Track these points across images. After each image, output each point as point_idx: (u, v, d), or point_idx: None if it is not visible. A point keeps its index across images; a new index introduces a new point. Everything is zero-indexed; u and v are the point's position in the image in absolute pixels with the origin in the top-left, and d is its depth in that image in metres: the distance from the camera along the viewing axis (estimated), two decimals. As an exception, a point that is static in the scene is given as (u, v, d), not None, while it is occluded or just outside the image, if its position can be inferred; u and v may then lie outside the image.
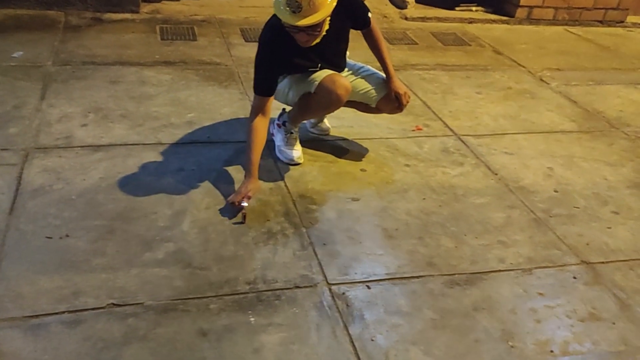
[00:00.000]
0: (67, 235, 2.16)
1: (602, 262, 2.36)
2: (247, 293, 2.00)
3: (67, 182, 2.48)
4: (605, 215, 2.68)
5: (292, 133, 2.82)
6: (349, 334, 1.88)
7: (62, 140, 2.78)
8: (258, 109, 2.50)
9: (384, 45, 2.75)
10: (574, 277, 2.26)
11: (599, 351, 1.93)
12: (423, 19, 5.26)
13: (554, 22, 5.56)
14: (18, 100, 3.09)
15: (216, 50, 4.06)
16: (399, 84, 2.74)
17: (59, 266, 2.02)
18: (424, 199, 2.65)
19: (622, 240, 2.52)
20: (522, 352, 1.89)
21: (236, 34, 4.40)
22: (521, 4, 5.39)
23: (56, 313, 1.83)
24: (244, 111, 3.19)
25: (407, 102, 2.74)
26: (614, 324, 2.05)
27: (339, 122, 3.19)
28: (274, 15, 2.37)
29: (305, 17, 2.25)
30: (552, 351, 1.91)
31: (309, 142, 2.98)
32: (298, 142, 2.85)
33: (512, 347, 1.91)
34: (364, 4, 2.63)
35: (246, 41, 4.28)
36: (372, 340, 1.88)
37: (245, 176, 2.45)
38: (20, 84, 3.27)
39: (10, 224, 2.19)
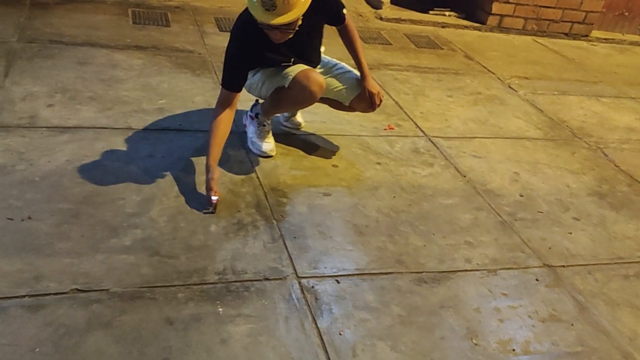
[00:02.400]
0: (30, 218, 2.09)
1: (563, 266, 2.44)
2: (216, 283, 1.97)
3: (31, 163, 2.39)
4: (567, 221, 2.76)
5: (264, 125, 2.80)
6: (317, 327, 1.89)
7: (26, 120, 2.68)
8: (224, 102, 2.47)
9: (359, 43, 2.75)
10: (536, 280, 2.32)
11: (557, 351, 1.99)
12: (397, 20, 5.30)
13: (523, 31, 5.70)
14: (-21, 77, 2.97)
15: (189, 38, 4.00)
16: (373, 84, 2.75)
17: (20, 249, 1.95)
18: (394, 197, 2.67)
19: (582, 245, 2.60)
20: (485, 350, 1.93)
21: (210, 23, 4.34)
22: (493, 12, 5.51)
23: (16, 297, 1.77)
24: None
25: (380, 101, 2.76)
26: (572, 325, 2.12)
27: (312, 117, 3.19)
28: (247, 9, 2.34)
29: (279, 15, 2.23)
30: (513, 350, 1.96)
31: (281, 136, 2.97)
32: (270, 134, 2.83)
33: (475, 345, 1.95)
34: (339, 0, 2.63)
35: (220, 30, 4.23)
36: (340, 334, 1.88)
37: (206, 171, 2.39)
38: (-19, 61, 3.14)
39: (-31, 203, 2.10)
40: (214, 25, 4.31)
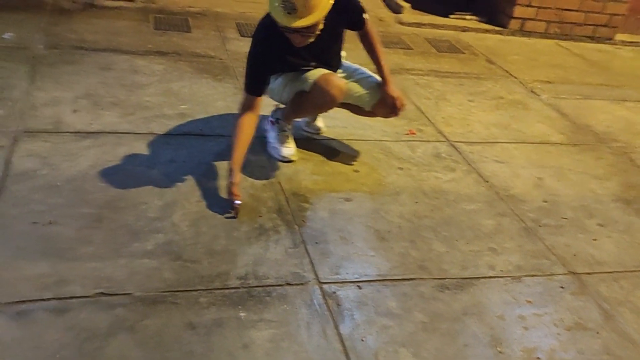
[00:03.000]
0: (54, 222, 2.11)
1: (588, 273, 2.39)
2: (238, 288, 1.97)
3: (55, 167, 2.42)
4: (592, 228, 2.71)
5: (285, 131, 2.80)
6: (339, 333, 1.87)
7: (51, 125, 2.72)
8: (247, 106, 2.48)
9: (380, 48, 2.74)
10: (561, 287, 2.28)
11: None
12: (418, 24, 5.27)
13: (545, 35, 5.62)
14: (5, 82, 3.02)
15: (211, 44, 4.02)
16: (394, 89, 2.73)
17: (45, 253, 1.97)
18: (416, 202, 2.64)
19: (607, 252, 2.55)
20: (509, 358, 1.89)
21: (232, 28, 4.36)
22: (514, 15, 5.45)
23: (41, 300, 1.79)
24: (233, 109, 3.17)
25: (402, 106, 2.74)
26: (598, 333, 2.07)
27: (332, 122, 3.18)
28: (268, 14, 2.35)
29: (300, 18, 2.23)
30: (538, 358, 1.92)
31: (302, 141, 2.96)
32: (291, 139, 2.83)
33: (500, 352, 1.91)
34: (360, 5, 2.62)
35: (242, 36, 4.25)
36: (362, 340, 1.86)
37: (228, 175, 2.39)
38: (8, 66, 3.19)
39: (-4, 208, 2.13)
40: (235, 31, 4.33)
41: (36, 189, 2.27)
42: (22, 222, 2.09)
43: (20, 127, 2.65)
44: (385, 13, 5.42)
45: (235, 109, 3.10)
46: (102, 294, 1.85)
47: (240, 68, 3.65)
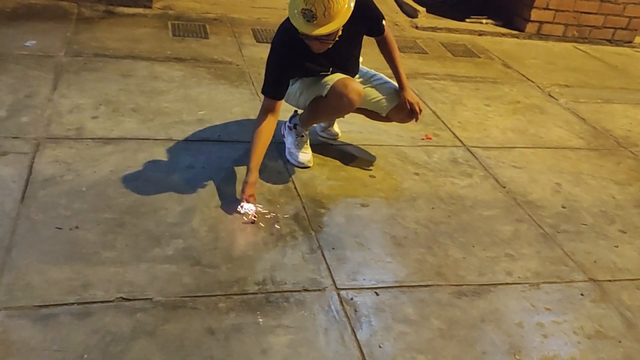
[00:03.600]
0: (77, 227, 2.16)
1: (609, 281, 2.37)
2: (256, 294, 1.99)
3: (78, 173, 2.47)
4: (613, 234, 2.69)
5: (302, 136, 2.82)
6: (356, 340, 1.88)
7: (73, 132, 2.77)
8: (267, 110, 2.51)
9: (397, 54, 2.75)
10: (581, 294, 2.26)
11: (604, 369, 1.94)
12: (434, 28, 5.27)
13: (563, 38, 5.59)
14: (30, 90, 3.08)
15: (228, 49, 4.06)
16: (412, 94, 2.74)
17: (69, 257, 2.01)
18: (432, 208, 2.65)
19: (629, 259, 2.52)
20: (528, 366, 1.89)
21: (248, 34, 4.40)
22: (531, 19, 5.42)
23: (65, 304, 1.82)
24: (255, 111, 3.15)
25: (420, 111, 2.75)
26: (620, 342, 2.06)
27: (348, 127, 3.20)
28: (288, 19, 2.37)
29: (320, 26, 2.25)
30: (558, 367, 1.91)
31: (318, 146, 2.98)
32: (308, 145, 2.85)
33: (518, 360, 1.91)
34: (379, 11, 2.63)
35: (258, 42, 4.29)
36: (380, 347, 1.87)
37: (246, 175, 2.42)
38: (33, 73, 3.26)
39: (21, 212, 2.18)
40: (251, 37, 4.37)
41: (60, 194, 2.31)
42: (47, 227, 2.13)
43: (44, 134, 2.70)
44: (401, 17, 5.43)
45: (252, 115, 3.15)
46: (124, 298, 1.88)
47: (256, 74, 3.69)
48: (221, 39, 4.24)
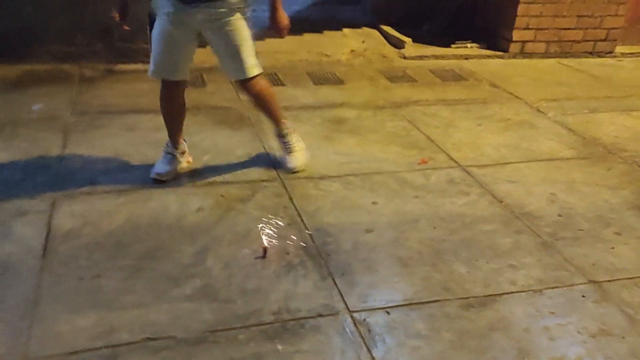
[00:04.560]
0: (99, 276, 2.28)
1: (609, 281, 2.46)
2: (273, 323, 2.10)
3: (94, 225, 2.60)
4: (609, 237, 2.79)
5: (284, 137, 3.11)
6: (372, 357, 1.98)
7: (87, 187, 2.91)
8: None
9: None
10: (583, 296, 2.36)
11: (612, 365, 2.02)
12: (421, 57, 5.48)
13: (546, 55, 5.78)
14: (42, 151, 3.24)
15: (225, 95, 4.24)
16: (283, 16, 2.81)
17: (93, 305, 2.13)
18: (434, 227, 2.76)
19: (627, 259, 2.62)
20: (538, 369, 1.98)
21: (243, 79, 4.58)
22: (514, 39, 5.62)
23: (94, 349, 1.93)
24: (257, 151, 3.37)
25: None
26: (624, 338, 2.14)
27: (348, 159, 3.34)
28: None
29: None
30: (567, 367, 2.00)
31: (320, 180, 3.12)
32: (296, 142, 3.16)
33: (529, 364, 1.99)
34: None
35: (253, 85, 4.46)
36: (395, 363, 1.97)
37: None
38: (42, 135, 3.43)
39: (44, 267, 2.31)
40: (247, 81, 4.55)
41: (80, 247, 2.44)
42: (70, 278, 2.25)
43: (59, 191, 2.85)
44: (389, 49, 5.63)
45: (254, 155, 3.31)
46: (149, 338, 1.99)
47: (254, 116, 3.85)
48: (218, 85, 4.43)
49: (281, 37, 2.90)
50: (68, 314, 2.08)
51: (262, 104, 3.06)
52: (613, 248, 2.70)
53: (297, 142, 3.16)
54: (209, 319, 2.10)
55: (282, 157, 3.03)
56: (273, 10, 2.82)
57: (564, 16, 5.65)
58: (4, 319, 2.04)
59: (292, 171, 2.94)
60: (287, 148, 3.09)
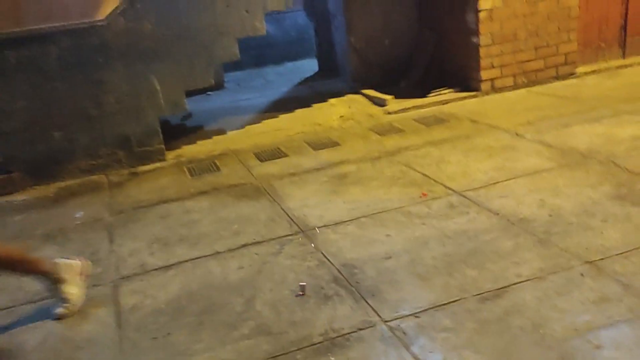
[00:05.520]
0: (169, 334, 2.66)
1: (602, 259, 2.85)
2: (322, 342, 2.47)
3: (154, 297, 3.01)
4: (597, 225, 3.19)
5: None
6: (411, 353, 2.34)
7: (139, 268, 3.34)
8: None
9: None
10: (582, 274, 2.74)
11: (613, 321, 2.37)
12: (404, 110, 6.05)
13: (515, 87, 6.36)
14: (93, 248, 3.69)
15: (239, 174, 4.75)
16: None
17: (170, 356, 2.50)
18: (443, 245, 3.17)
19: (614, 239, 3.01)
20: (552, 336, 2.33)
21: (252, 158, 5.11)
22: (483, 78, 6.22)
23: (180, 387, 2.30)
24: (277, 214, 3.82)
25: None
26: (621, 300, 2.51)
27: (356, 205, 3.79)
28: None
29: None
30: (576, 329, 2.35)
31: (335, 226, 3.55)
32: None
33: (544, 334, 2.35)
34: None
35: (261, 161, 4.99)
36: (431, 352, 2.32)
37: None
38: (90, 236, 3.89)
39: (122, 335, 2.70)
40: (255, 159, 5.08)
41: (147, 315, 2.84)
42: (145, 340, 2.64)
43: (117, 277, 3.28)
44: (374, 109, 6.22)
45: (277, 218, 3.75)
46: (222, 373, 2.36)
47: (268, 186, 4.34)
48: (231, 168, 4.95)
49: None
50: (151, 368, 2.45)
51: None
52: (602, 233, 3.09)
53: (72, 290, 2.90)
54: (268, 349, 2.48)
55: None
56: None
57: (522, 51, 6.29)
58: (98, 380, 2.42)
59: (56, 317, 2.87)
60: (62, 298, 2.88)
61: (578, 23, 6.43)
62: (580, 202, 3.49)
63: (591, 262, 2.83)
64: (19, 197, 4.83)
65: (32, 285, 3.13)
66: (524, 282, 2.73)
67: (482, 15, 6.02)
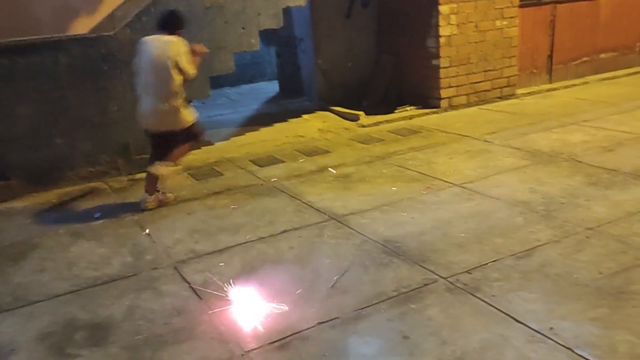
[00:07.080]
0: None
1: (598, 226, 3.49)
2: (397, 295, 2.87)
3: (220, 274, 3.24)
4: (583, 203, 3.86)
5: None
6: (478, 297, 2.79)
7: (191, 254, 3.55)
8: None
9: None
10: (587, 237, 3.36)
11: (626, 268, 2.98)
12: (376, 124, 6.62)
13: (468, 105, 7.16)
14: (131, 240, 3.82)
15: (245, 177, 5.03)
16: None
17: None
18: (465, 222, 3.69)
19: (602, 212, 3.70)
20: (585, 277, 2.89)
21: (250, 164, 5.40)
22: (442, 96, 6.96)
23: None
24: (301, 207, 4.15)
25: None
26: (626, 253, 3.13)
27: (371, 197, 4.24)
28: None
29: None
30: (600, 272, 2.93)
31: (363, 212, 3.96)
32: None
33: (577, 277, 2.90)
34: None
35: (260, 167, 5.29)
36: (493, 296, 2.79)
37: None
38: (122, 232, 4.00)
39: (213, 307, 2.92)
40: (253, 164, 5.37)
41: (219, 288, 3.08)
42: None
43: (172, 261, 3.46)
44: (347, 123, 6.73)
45: (303, 209, 4.10)
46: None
47: (280, 185, 4.66)
48: (233, 172, 5.21)
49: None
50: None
51: None
52: (589, 209, 3.76)
53: None
54: (351, 303, 2.83)
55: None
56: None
57: (474, 73, 7.13)
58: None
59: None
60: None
61: (517, 51, 7.41)
62: (563, 188, 4.17)
63: (591, 228, 3.47)
64: (17, 205, 4.76)
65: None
66: (545, 245, 3.30)
67: (442, 40, 6.80)
